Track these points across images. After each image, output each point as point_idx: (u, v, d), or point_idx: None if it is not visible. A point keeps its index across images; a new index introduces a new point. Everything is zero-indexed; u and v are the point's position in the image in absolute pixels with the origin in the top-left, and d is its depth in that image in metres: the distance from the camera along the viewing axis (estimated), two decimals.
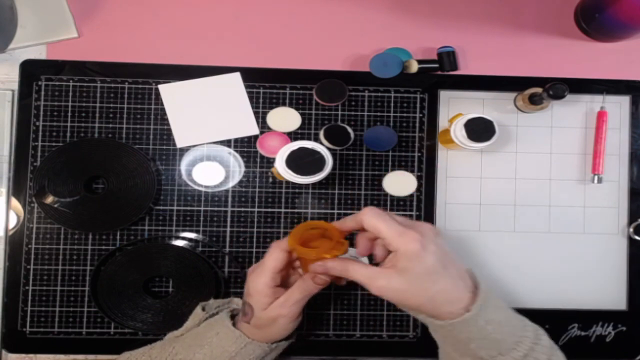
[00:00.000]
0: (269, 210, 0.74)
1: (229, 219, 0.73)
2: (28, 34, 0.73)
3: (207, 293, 0.71)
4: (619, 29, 0.74)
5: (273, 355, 0.64)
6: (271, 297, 0.60)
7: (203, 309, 0.66)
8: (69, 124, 0.73)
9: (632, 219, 0.75)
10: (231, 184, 0.74)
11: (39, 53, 0.74)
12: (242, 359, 0.61)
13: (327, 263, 0.56)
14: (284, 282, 0.62)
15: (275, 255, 0.60)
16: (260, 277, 0.60)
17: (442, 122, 0.75)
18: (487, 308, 0.54)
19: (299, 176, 0.64)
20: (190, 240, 0.73)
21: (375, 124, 0.74)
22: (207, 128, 0.73)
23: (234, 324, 0.63)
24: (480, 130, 0.67)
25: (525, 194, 0.75)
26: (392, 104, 0.75)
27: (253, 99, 0.74)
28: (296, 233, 0.59)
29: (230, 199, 0.74)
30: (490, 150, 0.75)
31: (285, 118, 0.74)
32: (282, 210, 0.74)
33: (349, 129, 0.74)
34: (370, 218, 0.54)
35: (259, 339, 0.62)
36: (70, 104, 0.73)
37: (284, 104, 0.74)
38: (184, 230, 0.73)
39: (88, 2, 0.74)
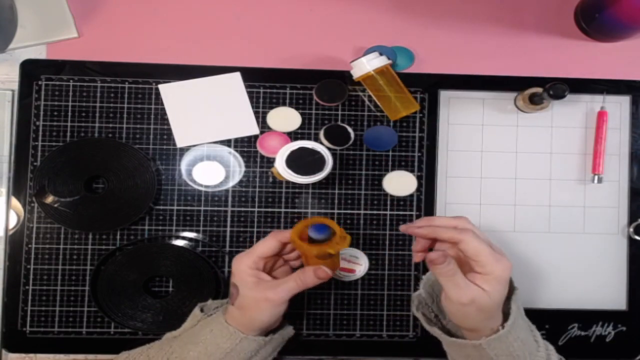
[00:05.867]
0: (269, 210, 0.74)
1: (229, 219, 0.73)
2: (28, 34, 0.73)
3: (207, 293, 0.71)
4: (619, 29, 0.74)
5: (268, 349, 0.64)
6: (254, 277, 0.61)
7: (201, 310, 0.66)
8: (69, 124, 0.73)
9: (632, 219, 0.75)
10: (231, 183, 0.74)
11: (39, 53, 0.74)
12: (236, 354, 0.61)
13: (442, 266, 0.56)
14: (269, 270, 0.64)
15: (268, 244, 0.61)
16: (244, 259, 0.61)
17: (442, 123, 0.75)
18: (518, 326, 0.59)
19: (299, 176, 0.64)
20: (190, 240, 0.73)
21: (375, 124, 0.74)
22: (207, 128, 0.73)
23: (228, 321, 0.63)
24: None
25: (525, 194, 0.75)
26: None
27: (253, 99, 0.74)
28: (298, 228, 0.60)
29: (230, 199, 0.74)
30: (490, 150, 0.75)
31: (285, 118, 0.74)
32: (282, 210, 0.74)
33: (349, 129, 0.74)
34: (473, 240, 0.57)
35: (243, 324, 0.61)
36: (70, 104, 0.73)
37: (284, 104, 0.74)
38: (184, 230, 0.73)
39: (88, 2, 0.74)
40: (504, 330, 0.58)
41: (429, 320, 0.65)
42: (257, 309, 0.61)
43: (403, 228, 0.62)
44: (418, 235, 0.61)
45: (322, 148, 0.65)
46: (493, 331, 0.59)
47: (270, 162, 0.74)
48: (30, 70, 0.73)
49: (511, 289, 0.62)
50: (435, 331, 0.64)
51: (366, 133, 0.74)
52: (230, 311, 0.62)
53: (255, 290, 0.61)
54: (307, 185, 0.74)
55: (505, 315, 0.60)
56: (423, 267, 0.74)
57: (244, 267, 0.61)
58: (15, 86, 0.73)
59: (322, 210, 0.74)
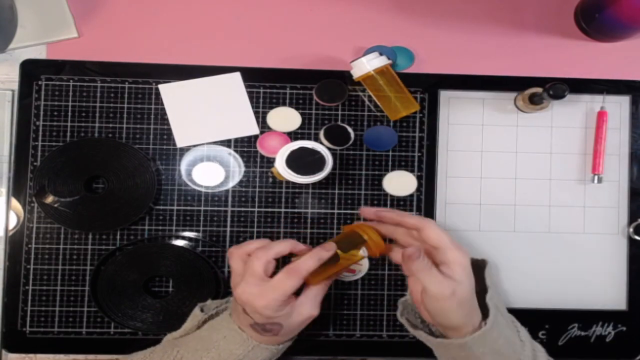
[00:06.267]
0: (269, 210, 0.74)
1: (229, 219, 0.73)
2: (28, 34, 0.73)
3: (207, 293, 0.71)
4: (619, 29, 0.74)
5: (278, 355, 0.64)
6: (288, 304, 0.60)
7: (202, 310, 0.66)
8: (69, 124, 0.73)
9: (632, 219, 0.75)
10: (231, 184, 0.74)
11: (39, 53, 0.74)
12: None
13: (417, 261, 0.58)
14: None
15: (295, 283, 0.59)
16: (269, 296, 0.58)
17: (442, 123, 0.75)
18: (499, 323, 0.60)
19: (299, 176, 0.64)
20: (190, 240, 0.73)
21: (375, 124, 0.74)
22: (207, 128, 0.73)
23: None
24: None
25: (525, 194, 0.75)
26: None
27: (253, 99, 0.74)
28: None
29: (230, 199, 0.74)
30: (490, 150, 0.75)
31: (285, 118, 0.74)
32: (282, 210, 0.74)
33: (349, 129, 0.74)
34: (435, 227, 0.60)
35: (273, 341, 0.61)
36: (70, 104, 0.73)
37: (284, 104, 0.74)
38: (184, 230, 0.73)
39: (88, 2, 0.74)
40: (487, 326, 0.58)
41: (414, 326, 0.66)
42: (302, 327, 0.62)
43: (367, 210, 0.65)
44: (384, 218, 0.63)
45: (322, 148, 0.65)
46: (475, 329, 0.59)
47: (270, 162, 0.74)
48: (30, 70, 0.73)
49: (484, 288, 0.62)
50: (420, 335, 0.64)
51: (366, 133, 0.74)
52: (269, 339, 0.61)
53: (300, 314, 0.61)
54: (307, 185, 0.74)
55: (484, 315, 0.60)
56: None
57: (275, 305, 0.58)
58: (15, 86, 0.73)
59: (322, 210, 0.74)
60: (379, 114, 0.74)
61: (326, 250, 0.61)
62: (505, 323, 0.62)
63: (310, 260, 0.60)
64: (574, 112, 0.76)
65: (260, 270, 0.59)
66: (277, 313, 0.59)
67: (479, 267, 0.65)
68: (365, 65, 0.70)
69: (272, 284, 0.59)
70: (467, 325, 0.59)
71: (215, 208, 0.73)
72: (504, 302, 0.69)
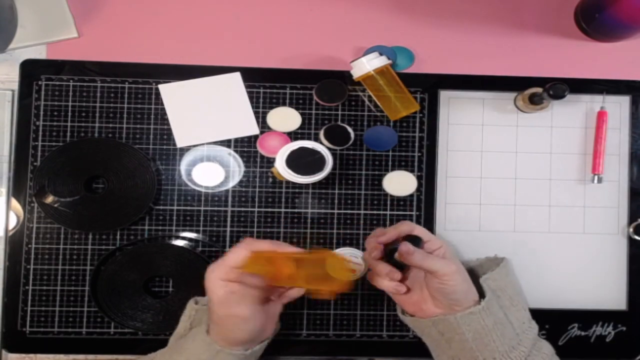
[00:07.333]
0: (269, 210, 0.74)
1: (229, 219, 0.73)
2: (28, 34, 0.73)
3: (206, 293, 0.71)
4: (619, 29, 0.74)
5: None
6: (223, 290, 0.58)
7: (196, 303, 0.66)
8: (69, 124, 0.73)
9: (632, 219, 0.75)
10: (231, 184, 0.74)
11: (39, 53, 0.74)
12: None
13: (415, 253, 0.62)
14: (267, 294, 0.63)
15: (240, 254, 0.59)
16: (215, 271, 0.59)
17: (442, 123, 0.75)
18: (493, 305, 0.63)
19: (299, 176, 0.64)
20: (190, 240, 0.73)
21: (375, 124, 0.74)
22: (207, 128, 0.73)
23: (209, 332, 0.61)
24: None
25: (525, 194, 0.75)
26: None
27: (253, 99, 0.74)
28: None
29: (230, 199, 0.74)
30: (490, 150, 0.75)
31: (285, 118, 0.74)
32: (282, 210, 0.74)
33: (349, 129, 0.74)
34: (419, 226, 0.66)
35: (222, 339, 0.60)
36: (70, 104, 0.73)
37: (284, 104, 0.74)
38: (184, 230, 0.73)
39: (88, 2, 0.74)
40: (488, 295, 0.64)
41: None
42: (228, 325, 0.59)
43: (373, 249, 0.65)
44: (388, 237, 0.65)
45: (322, 148, 0.65)
46: (476, 302, 0.63)
47: (270, 162, 0.74)
48: (30, 70, 0.73)
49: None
50: (429, 320, 0.65)
51: (366, 133, 0.74)
52: (211, 325, 0.61)
53: (223, 305, 0.58)
54: (307, 185, 0.74)
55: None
56: None
57: (214, 279, 0.59)
58: (15, 86, 0.73)
59: (322, 210, 0.74)
60: (379, 114, 0.74)
61: (287, 245, 0.61)
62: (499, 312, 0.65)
63: (266, 241, 0.61)
64: (574, 112, 0.76)
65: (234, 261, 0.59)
66: (212, 286, 0.58)
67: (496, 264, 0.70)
68: (365, 65, 0.70)
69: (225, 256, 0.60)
70: (469, 299, 0.63)
71: (215, 208, 0.73)
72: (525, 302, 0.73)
